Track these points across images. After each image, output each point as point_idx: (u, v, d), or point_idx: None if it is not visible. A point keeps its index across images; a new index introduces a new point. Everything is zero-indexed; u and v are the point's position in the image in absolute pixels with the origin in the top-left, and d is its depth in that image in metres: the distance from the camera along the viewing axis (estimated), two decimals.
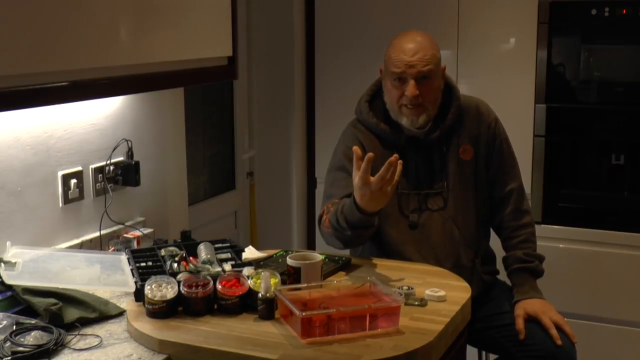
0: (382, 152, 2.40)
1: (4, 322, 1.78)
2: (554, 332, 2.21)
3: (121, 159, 2.58)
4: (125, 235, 2.52)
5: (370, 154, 2.04)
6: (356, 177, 2.06)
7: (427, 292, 2.01)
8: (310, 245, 3.88)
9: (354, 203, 2.11)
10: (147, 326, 1.81)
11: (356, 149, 2.07)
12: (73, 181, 2.39)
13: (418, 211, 2.40)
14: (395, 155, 2.04)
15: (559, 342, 2.20)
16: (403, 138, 2.39)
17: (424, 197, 2.40)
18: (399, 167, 2.02)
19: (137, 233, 2.53)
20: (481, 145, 2.42)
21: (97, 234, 2.48)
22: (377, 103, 2.45)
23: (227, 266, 2.04)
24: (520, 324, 2.25)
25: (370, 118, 2.41)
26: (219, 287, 1.89)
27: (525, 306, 2.28)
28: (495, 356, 2.47)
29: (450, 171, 2.40)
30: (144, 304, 1.89)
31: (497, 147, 2.44)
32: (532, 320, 2.26)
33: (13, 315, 1.83)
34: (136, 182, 2.59)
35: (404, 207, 2.40)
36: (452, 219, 2.39)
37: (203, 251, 2.11)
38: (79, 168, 2.43)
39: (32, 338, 1.72)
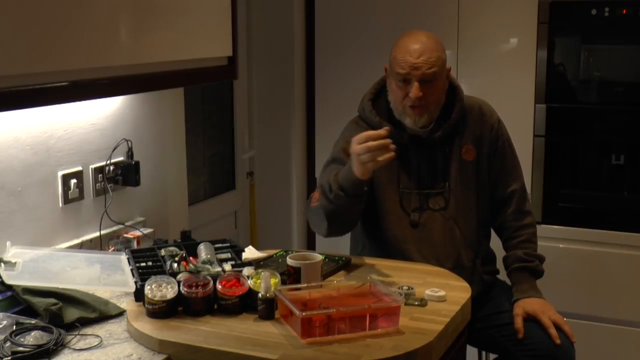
0: None
1: (4, 322, 1.78)
2: (553, 331, 2.21)
3: (121, 159, 2.58)
4: (125, 235, 2.52)
5: (387, 128, 2.11)
6: (352, 147, 2.09)
7: (427, 292, 2.01)
8: (310, 245, 3.88)
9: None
10: (147, 326, 1.81)
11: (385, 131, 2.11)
12: (73, 181, 2.39)
13: (419, 210, 2.39)
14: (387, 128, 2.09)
15: (558, 341, 2.20)
16: (405, 137, 2.39)
17: (426, 197, 2.40)
18: (389, 155, 2.07)
19: (137, 233, 2.53)
20: (484, 146, 2.42)
21: (97, 234, 2.48)
22: (380, 101, 2.44)
23: (227, 266, 2.04)
24: (519, 323, 2.25)
25: (373, 116, 2.41)
26: (219, 287, 1.89)
27: (525, 305, 2.28)
28: (495, 356, 2.47)
29: (452, 171, 2.39)
30: (144, 304, 1.89)
31: (499, 147, 2.43)
32: (531, 320, 2.26)
33: (13, 315, 1.83)
34: (136, 182, 2.59)
35: (406, 206, 2.40)
36: (453, 219, 2.39)
37: (203, 251, 2.11)
38: (79, 168, 2.43)
39: (32, 338, 1.72)
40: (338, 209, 2.23)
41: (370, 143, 2.06)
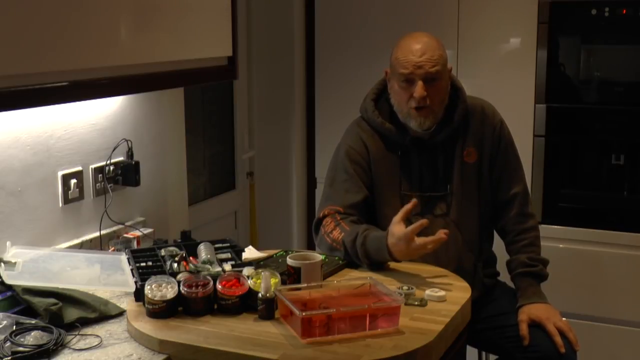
0: (386, 152, 2.40)
1: (4, 322, 1.78)
2: (558, 339, 2.20)
3: (121, 159, 2.58)
4: (125, 235, 2.52)
5: (424, 221, 2.13)
6: (400, 230, 2.13)
7: (427, 292, 2.01)
8: (310, 245, 3.87)
9: (387, 249, 2.17)
10: (147, 326, 1.81)
11: (412, 205, 2.18)
12: (73, 181, 2.39)
13: (421, 214, 2.38)
14: (446, 231, 2.13)
15: (563, 350, 2.18)
16: (407, 139, 2.38)
17: (427, 200, 2.39)
18: (442, 238, 2.12)
19: (137, 233, 2.53)
20: (485, 148, 2.40)
21: (97, 234, 2.48)
22: (382, 102, 2.43)
23: (227, 266, 2.04)
24: (524, 329, 2.23)
25: (376, 117, 2.40)
26: (219, 287, 1.89)
27: (529, 311, 2.27)
28: (495, 357, 2.47)
29: (454, 174, 2.38)
30: (144, 304, 1.89)
31: (502, 150, 2.41)
32: (535, 325, 2.25)
33: (13, 315, 1.83)
34: (136, 182, 2.59)
35: None
36: (454, 223, 2.38)
37: (203, 251, 2.11)
38: (79, 168, 2.43)
39: (32, 338, 1.72)
40: (358, 264, 2.28)
41: (429, 240, 2.14)
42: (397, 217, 2.18)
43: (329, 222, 2.33)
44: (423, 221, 2.13)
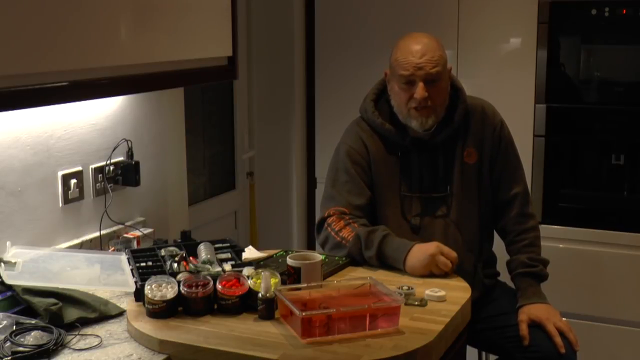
0: (385, 153, 2.40)
1: (4, 322, 1.78)
2: (558, 340, 2.20)
3: (121, 159, 2.58)
4: (125, 235, 2.52)
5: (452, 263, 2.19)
6: (436, 253, 2.16)
7: (427, 292, 2.01)
8: (310, 245, 3.88)
9: (407, 252, 2.19)
10: (147, 326, 1.81)
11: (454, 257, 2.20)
12: (73, 181, 2.39)
13: (420, 215, 2.38)
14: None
15: (563, 350, 2.18)
16: (407, 140, 2.38)
17: (427, 201, 2.38)
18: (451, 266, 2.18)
19: (137, 233, 2.53)
20: (485, 148, 2.40)
21: (97, 234, 2.48)
22: (382, 103, 2.43)
23: (227, 266, 2.04)
24: (524, 329, 2.23)
25: (376, 118, 2.39)
26: (219, 287, 1.89)
27: (529, 311, 2.27)
28: (495, 357, 2.47)
29: (454, 175, 2.38)
30: (144, 304, 1.89)
31: (502, 150, 2.41)
32: (535, 325, 2.25)
33: (13, 315, 1.83)
34: (136, 182, 2.59)
35: (407, 211, 2.38)
36: (454, 224, 2.37)
37: (203, 251, 2.11)
38: (79, 168, 2.43)
39: (32, 338, 1.73)
40: (362, 260, 2.27)
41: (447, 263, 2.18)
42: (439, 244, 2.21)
43: (336, 220, 2.32)
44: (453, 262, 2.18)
